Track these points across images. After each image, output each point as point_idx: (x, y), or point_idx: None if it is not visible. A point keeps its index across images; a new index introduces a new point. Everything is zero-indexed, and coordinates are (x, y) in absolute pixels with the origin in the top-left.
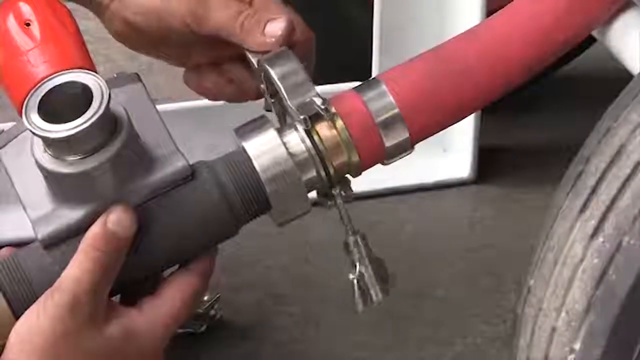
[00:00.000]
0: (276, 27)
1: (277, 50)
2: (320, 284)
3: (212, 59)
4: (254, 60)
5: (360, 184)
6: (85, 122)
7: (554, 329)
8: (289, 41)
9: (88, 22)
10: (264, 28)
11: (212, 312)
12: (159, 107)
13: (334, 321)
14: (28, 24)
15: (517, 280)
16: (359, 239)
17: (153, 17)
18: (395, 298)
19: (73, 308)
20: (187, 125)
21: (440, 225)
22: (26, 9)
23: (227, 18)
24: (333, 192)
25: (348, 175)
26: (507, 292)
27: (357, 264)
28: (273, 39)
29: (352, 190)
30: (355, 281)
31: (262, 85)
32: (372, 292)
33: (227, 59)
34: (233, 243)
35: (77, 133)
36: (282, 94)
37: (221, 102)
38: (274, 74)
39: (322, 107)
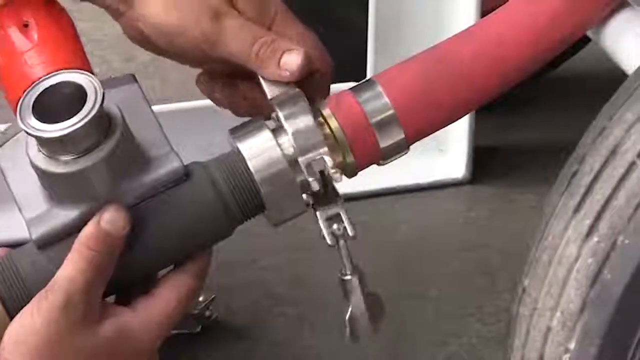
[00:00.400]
0: (292, 62)
1: (288, 93)
2: (315, 284)
3: (228, 70)
4: (267, 90)
5: (355, 184)
6: (78, 122)
7: (548, 329)
8: (305, 74)
9: (84, 24)
10: (280, 59)
11: (208, 312)
12: (154, 107)
13: (328, 321)
14: (26, 25)
15: (512, 279)
16: (356, 278)
17: (166, 38)
18: (390, 298)
19: (67, 308)
20: (182, 126)
21: (435, 225)
22: (24, 11)
23: (241, 46)
24: (336, 232)
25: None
26: (502, 291)
27: (351, 302)
28: (288, 73)
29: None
30: (347, 318)
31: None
32: (362, 328)
33: (243, 74)
34: (228, 243)
35: (70, 133)
36: (291, 141)
37: None
38: (283, 118)
39: (332, 171)
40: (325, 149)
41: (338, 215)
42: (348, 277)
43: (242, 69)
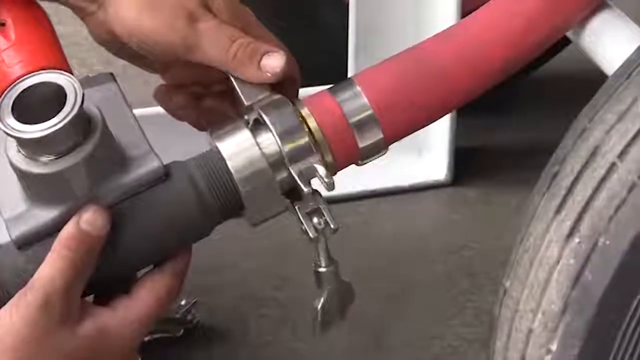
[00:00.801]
0: (276, 64)
1: (273, 98)
2: (298, 285)
3: (190, 80)
4: (242, 93)
5: (337, 187)
6: (58, 123)
7: (530, 330)
8: (285, 77)
9: (63, 27)
10: (260, 60)
11: (190, 316)
12: (135, 110)
13: (310, 323)
14: (3, 24)
15: (496, 281)
16: (332, 268)
17: (139, 41)
18: (373, 300)
19: (45, 307)
20: (163, 129)
21: (418, 227)
22: (1, 9)
23: (218, 48)
24: (317, 226)
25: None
26: (486, 293)
27: (325, 292)
28: (269, 75)
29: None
30: (319, 307)
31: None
32: (332, 319)
33: (204, 86)
34: (209, 245)
35: (50, 134)
36: (283, 152)
37: None
38: (270, 124)
39: (326, 180)
40: (314, 153)
41: (318, 209)
42: (323, 269)
43: (205, 80)
